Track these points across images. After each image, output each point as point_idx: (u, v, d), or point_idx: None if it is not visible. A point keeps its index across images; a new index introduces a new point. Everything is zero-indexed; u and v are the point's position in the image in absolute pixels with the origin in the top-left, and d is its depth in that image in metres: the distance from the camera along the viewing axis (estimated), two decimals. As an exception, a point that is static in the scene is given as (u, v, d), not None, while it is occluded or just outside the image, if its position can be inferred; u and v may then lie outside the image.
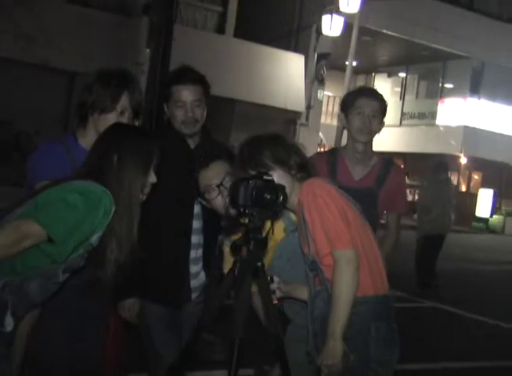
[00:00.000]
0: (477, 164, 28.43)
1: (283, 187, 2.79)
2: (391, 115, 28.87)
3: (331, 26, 20.40)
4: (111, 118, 3.36)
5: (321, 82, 21.74)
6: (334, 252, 2.91)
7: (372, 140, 4.20)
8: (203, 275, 3.90)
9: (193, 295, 3.88)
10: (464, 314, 9.50)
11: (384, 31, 23.22)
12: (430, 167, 11.58)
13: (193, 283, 3.86)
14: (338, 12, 20.18)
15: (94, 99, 3.36)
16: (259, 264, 2.80)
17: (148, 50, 12.59)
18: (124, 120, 3.40)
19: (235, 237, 2.98)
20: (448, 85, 28.42)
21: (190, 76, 3.86)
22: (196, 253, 3.83)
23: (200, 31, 19.61)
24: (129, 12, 17.97)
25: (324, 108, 25.31)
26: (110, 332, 4.22)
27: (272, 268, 3.36)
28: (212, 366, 4.83)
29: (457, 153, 27.37)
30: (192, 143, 3.88)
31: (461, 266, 14.55)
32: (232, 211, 2.85)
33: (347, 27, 20.32)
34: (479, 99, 27.55)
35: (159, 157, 3.00)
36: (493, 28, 25.57)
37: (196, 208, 3.77)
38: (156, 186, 3.66)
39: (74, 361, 3.36)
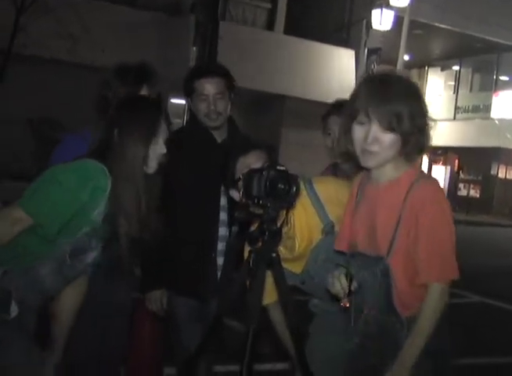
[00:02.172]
0: (533, 157, 27.93)
1: (296, 177, 2.78)
2: (445, 109, 28.61)
3: (381, 20, 20.29)
4: None
5: (371, 77, 21.60)
6: (436, 282, 2.60)
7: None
8: None
9: None
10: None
11: (436, 24, 22.94)
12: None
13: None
14: (388, 6, 20.07)
15: (114, 94, 3.41)
16: (274, 255, 2.79)
17: (194, 48, 12.69)
18: None
19: (251, 229, 2.97)
20: (503, 78, 27.97)
21: (212, 69, 3.93)
22: (223, 245, 3.84)
23: (249, 28, 19.68)
24: (177, 11, 18.12)
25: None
26: (146, 330, 4.29)
27: (308, 271, 3.31)
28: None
29: (512, 147, 26.95)
30: (218, 137, 3.90)
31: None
32: (247, 202, 2.84)
33: (398, 21, 20.16)
34: (534, 90, 27.08)
35: (166, 128, 2.96)
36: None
37: (223, 200, 3.78)
38: (184, 178, 3.71)
39: (102, 353, 3.40)
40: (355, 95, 2.66)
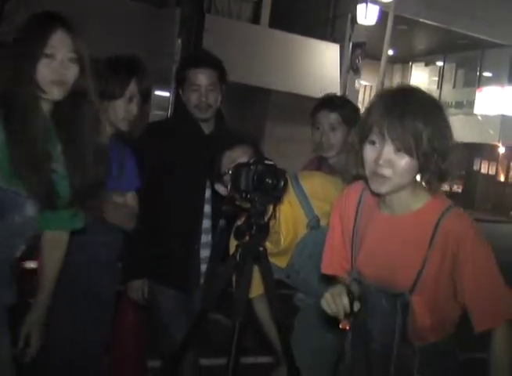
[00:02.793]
0: (515, 153, 28.12)
1: (284, 172, 2.79)
2: (429, 104, 28.69)
3: (366, 14, 20.30)
4: (119, 104, 3.39)
5: (356, 71, 21.64)
6: (500, 326, 2.32)
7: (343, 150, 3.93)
8: None
9: (202, 280, 3.87)
10: None
11: (421, 20, 22.97)
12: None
13: (203, 267, 3.85)
14: (373, 0, 20.08)
15: (103, 87, 3.34)
16: (261, 249, 2.80)
17: (180, 40, 12.66)
18: (133, 106, 3.42)
19: (238, 222, 2.99)
20: (487, 74, 28.10)
21: (206, 60, 3.89)
22: (206, 238, 3.84)
23: (234, 21, 19.62)
24: (160, 2, 18.05)
25: (360, 97, 25.20)
26: (130, 321, 4.28)
27: (293, 265, 3.33)
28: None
29: (495, 143, 27.09)
30: (206, 129, 3.89)
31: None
32: (234, 196, 2.85)
33: (383, 16, 20.18)
34: (518, 87, 27.20)
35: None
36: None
37: (207, 193, 3.78)
38: (169, 168, 3.71)
39: (84, 343, 3.39)
40: (369, 110, 2.30)
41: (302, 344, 3.29)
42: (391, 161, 2.24)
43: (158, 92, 16.27)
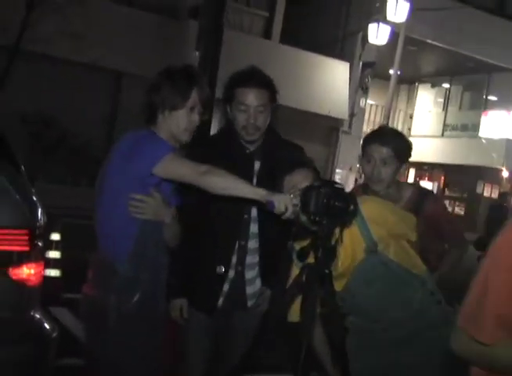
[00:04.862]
0: (518, 177, 28.06)
1: (353, 195, 2.80)
2: (434, 126, 28.78)
3: (377, 34, 20.37)
4: (182, 115, 3.35)
5: (365, 91, 21.71)
6: None
7: (394, 182, 3.94)
8: (259, 281, 3.78)
9: (249, 302, 3.77)
10: None
11: (429, 41, 23.06)
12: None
13: (249, 289, 3.75)
14: (385, 20, 20.15)
15: (163, 98, 3.33)
16: (327, 271, 2.81)
17: (197, 52, 12.69)
18: (195, 116, 3.39)
19: (303, 244, 2.99)
20: (493, 98, 28.12)
21: (257, 78, 3.65)
22: (252, 258, 3.73)
23: (246, 36, 19.68)
24: (175, 14, 18.11)
25: (366, 116, 25.25)
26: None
27: (349, 289, 3.31)
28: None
29: (499, 167, 27.08)
30: (251, 146, 3.75)
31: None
32: (303, 218, 2.86)
33: (393, 36, 20.25)
34: (523, 112, 27.22)
35: None
36: (540, 41, 25.26)
37: (254, 212, 3.68)
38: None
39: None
40: None
41: (352, 366, 3.30)
42: None
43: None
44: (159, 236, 3.35)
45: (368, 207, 3.27)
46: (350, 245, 3.21)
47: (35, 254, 3.48)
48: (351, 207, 2.76)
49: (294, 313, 3.01)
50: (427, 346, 3.28)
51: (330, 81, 20.81)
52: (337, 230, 2.86)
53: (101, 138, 16.82)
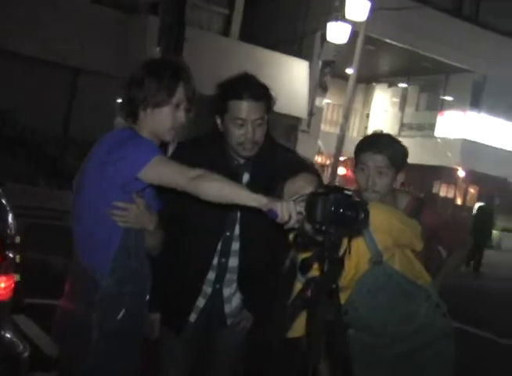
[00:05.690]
0: (474, 177, 28.25)
1: (364, 203, 2.55)
2: (390, 125, 28.81)
3: (337, 33, 20.21)
4: (166, 112, 3.03)
5: (324, 90, 21.58)
6: None
7: (390, 192, 3.62)
8: (236, 298, 3.52)
9: (229, 321, 3.54)
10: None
11: (388, 41, 23.04)
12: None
13: (227, 307, 3.52)
14: (344, 19, 19.99)
15: (146, 94, 3.00)
16: (334, 286, 2.56)
17: (158, 49, 12.41)
18: (180, 112, 3.06)
19: (304, 255, 2.73)
20: (449, 98, 28.26)
21: (253, 90, 3.26)
22: (231, 275, 3.47)
23: (205, 33, 19.46)
24: (134, 10, 17.81)
25: (324, 115, 25.18)
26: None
27: (352, 302, 3.13)
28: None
29: (455, 166, 27.24)
30: (241, 158, 3.39)
31: (465, 283, 14.17)
32: (308, 227, 2.60)
33: (352, 35, 20.14)
34: (479, 112, 27.35)
35: None
36: (497, 42, 25.42)
37: (237, 229, 3.40)
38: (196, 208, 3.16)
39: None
40: None
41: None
42: None
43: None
44: (142, 245, 3.08)
45: (374, 214, 3.04)
46: (355, 256, 2.99)
47: (5, 267, 3.17)
48: (362, 215, 2.51)
49: (296, 329, 2.77)
50: (432, 360, 3.16)
51: (289, 80, 20.62)
52: (345, 241, 2.60)
53: (58, 135, 16.46)
